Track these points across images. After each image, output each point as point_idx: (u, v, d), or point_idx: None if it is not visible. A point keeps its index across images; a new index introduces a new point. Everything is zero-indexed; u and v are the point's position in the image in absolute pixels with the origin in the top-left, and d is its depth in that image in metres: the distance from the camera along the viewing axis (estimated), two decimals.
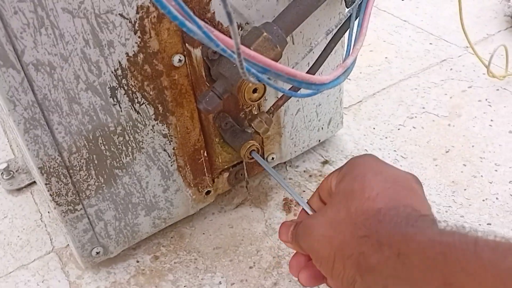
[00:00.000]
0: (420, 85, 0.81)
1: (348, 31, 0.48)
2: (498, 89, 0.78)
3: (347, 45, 0.47)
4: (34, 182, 0.70)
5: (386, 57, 0.88)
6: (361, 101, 0.79)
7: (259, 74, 0.35)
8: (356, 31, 0.47)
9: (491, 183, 0.63)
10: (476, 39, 0.89)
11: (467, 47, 0.87)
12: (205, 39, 0.32)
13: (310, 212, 0.46)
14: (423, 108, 0.76)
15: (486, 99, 0.76)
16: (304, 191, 0.65)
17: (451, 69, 0.83)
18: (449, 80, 0.81)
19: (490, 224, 0.58)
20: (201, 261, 0.58)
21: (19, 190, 0.70)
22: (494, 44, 0.88)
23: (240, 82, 0.47)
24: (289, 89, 0.51)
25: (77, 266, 0.59)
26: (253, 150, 0.54)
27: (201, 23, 0.32)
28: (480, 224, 0.58)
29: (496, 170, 0.64)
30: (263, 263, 0.57)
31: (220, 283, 0.55)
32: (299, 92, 0.48)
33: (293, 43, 0.57)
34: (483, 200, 0.61)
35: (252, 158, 0.55)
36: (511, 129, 0.69)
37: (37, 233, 0.64)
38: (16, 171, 0.72)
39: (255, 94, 0.49)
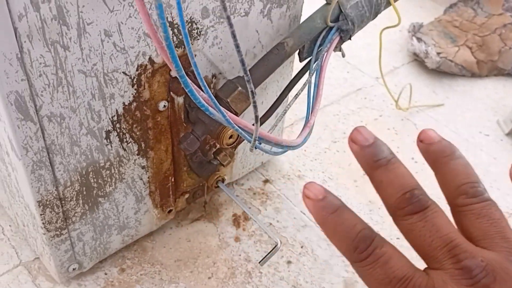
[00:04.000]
0: (340, 112, 0.95)
1: (307, 93, 0.59)
2: (402, 119, 0.94)
3: (307, 107, 0.57)
4: None
5: None
6: (293, 123, 0.91)
7: (257, 144, 0.45)
8: (314, 93, 0.58)
9: None
10: (384, 71, 1.05)
11: (377, 78, 1.02)
12: (225, 122, 0.41)
13: (272, 236, 0.57)
14: (344, 133, 0.90)
15: (393, 128, 0.92)
16: (250, 207, 0.75)
17: (365, 98, 0.98)
18: (364, 108, 0.96)
19: (399, 238, 0.73)
20: (164, 272, 0.66)
21: None
22: (399, 76, 1.05)
23: (220, 130, 0.56)
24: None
25: (47, 278, 0.64)
26: (219, 180, 0.63)
27: (224, 110, 0.40)
28: (391, 239, 0.73)
29: None
30: (220, 273, 0.67)
31: None
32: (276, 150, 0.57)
33: None
34: None
35: (218, 186, 0.64)
36: (413, 156, 0.86)
37: (1, 247, 0.67)
38: None
39: (231, 139, 0.58)
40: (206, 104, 0.40)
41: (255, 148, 0.44)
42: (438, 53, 1.04)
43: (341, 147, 0.87)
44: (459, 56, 1.05)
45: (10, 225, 0.70)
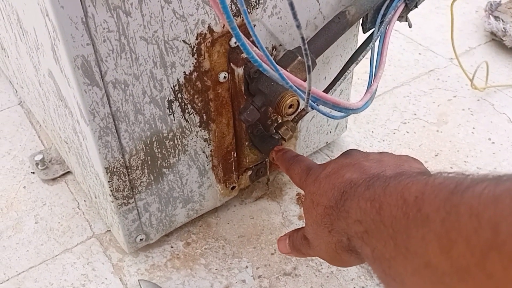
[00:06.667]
0: (411, 93, 0.91)
1: (369, 59, 0.57)
2: (478, 100, 0.89)
3: (370, 72, 0.56)
4: (68, 172, 0.77)
5: None
6: None
7: (313, 104, 0.44)
8: (377, 59, 0.56)
9: None
10: (459, 52, 0.99)
11: (451, 58, 0.97)
12: (279, 80, 0.40)
13: None
14: (415, 114, 0.86)
15: (469, 108, 0.87)
16: None
17: (438, 79, 0.94)
18: (436, 89, 0.91)
19: None
20: (228, 247, 0.67)
21: (53, 179, 0.77)
22: (475, 57, 0.99)
23: (279, 99, 0.56)
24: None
25: (117, 250, 0.67)
26: None
27: (278, 67, 0.40)
28: None
29: (478, 173, 0.75)
30: None
31: (246, 267, 0.65)
32: (335, 114, 0.56)
33: None
34: None
35: None
36: (490, 137, 0.80)
37: (77, 220, 0.71)
38: (49, 161, 0.78)
39: (290, 109, 0.57)
40: (259, 60, 0.40)
41: (311, 108, 0.43)
42: None
43: (411, 128, 0.84)
44: None
45: (84, 200, 0.73)
